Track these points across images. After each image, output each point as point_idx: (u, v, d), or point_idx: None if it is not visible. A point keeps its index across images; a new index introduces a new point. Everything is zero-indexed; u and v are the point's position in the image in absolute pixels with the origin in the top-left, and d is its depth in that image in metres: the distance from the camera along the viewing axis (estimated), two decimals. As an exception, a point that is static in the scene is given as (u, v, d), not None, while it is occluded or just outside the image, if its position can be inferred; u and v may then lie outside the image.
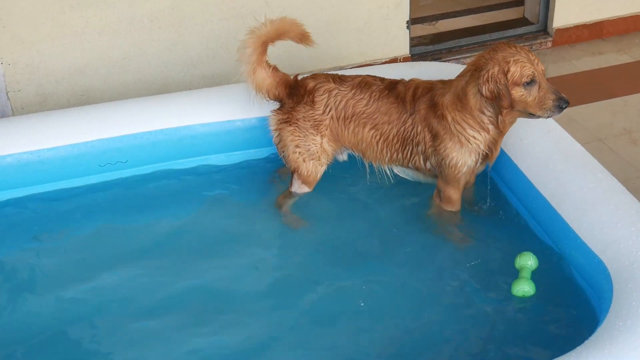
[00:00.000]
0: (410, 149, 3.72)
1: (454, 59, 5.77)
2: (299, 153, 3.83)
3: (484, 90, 3.41)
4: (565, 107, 3.39)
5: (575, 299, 3.31)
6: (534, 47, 5.91)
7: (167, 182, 4.11)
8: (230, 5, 5.01)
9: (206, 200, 4.03)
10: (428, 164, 3.73)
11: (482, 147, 3.59)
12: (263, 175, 4.21)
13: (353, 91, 3.76)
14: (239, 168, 4.21)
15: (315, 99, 3.78)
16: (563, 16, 5.91)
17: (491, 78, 3.39)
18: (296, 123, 3.80)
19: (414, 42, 5.80)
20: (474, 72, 3.48)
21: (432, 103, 3.62)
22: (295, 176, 3.91)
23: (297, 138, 3.81)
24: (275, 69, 3.83)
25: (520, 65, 3.36)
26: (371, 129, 3.75)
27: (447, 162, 3.62)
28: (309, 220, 3.95)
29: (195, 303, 3.44)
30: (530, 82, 3.37)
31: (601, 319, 2.88)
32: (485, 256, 3.61)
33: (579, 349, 2.69)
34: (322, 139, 3.81)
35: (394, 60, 5.56)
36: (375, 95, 3.73)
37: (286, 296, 3.47)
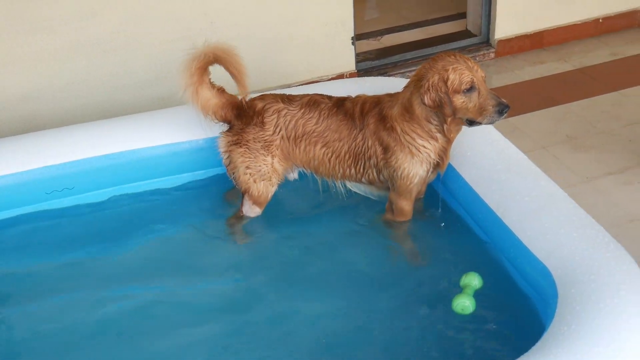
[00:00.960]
0: (362, 164, 3.75)
1: (400, 73, 5.85)
2: (250, 174, 3.83)
3: (426, 99, 3.45)
4: (506, 112, 3.41)
5: (522, 306, 3.35)
6: (477, 58, 6.01)
7: (115, 207, 4.09)
8: (174, 27, 5.02)
9: (154, 224, 4.00)
10: (381, 177, 3.76)
11: (432, 155, 3.63)
12: (212, 197, 4.20)
13: (302, 110, 3.78)
14: (187, 190, 4.20)
15: (265, 120, 3.79)
16: (504, 27, 6.03)
17: (432, 87, 3.43)
18: (246, 144, 3.80)
19: (360, 57, 5.87)
20: (417, 82, 3.53)
21: (381, 116, 3.66)
22: (246, 197, 3.92)
23: (248, 159, 3.81)
24: (220, 90, 3.83)
25: (459, 72, 3.40)
26: (322, 147, 3.77)
27: (400, 173, 3.65)
28: (260, 240, 3.96)
29: (137, 325, 3.42)
30: (470, 89, 3.41)
31: (547, 325, 2.92)
32: (431, 268, 3.65)
33: (525, 355, 2.72)
34: (273, 159, 3.82)
35: (340, 76, 5.61)
36: (324, 114, 3.76)
37: (235, 320, 3.47)
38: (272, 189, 3.91)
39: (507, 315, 3.36)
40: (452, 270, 3.58)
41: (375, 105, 3.71)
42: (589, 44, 6.22)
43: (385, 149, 3.66)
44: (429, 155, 3.63)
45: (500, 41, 6.04)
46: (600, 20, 6.25)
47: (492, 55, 6.07)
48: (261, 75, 5.22)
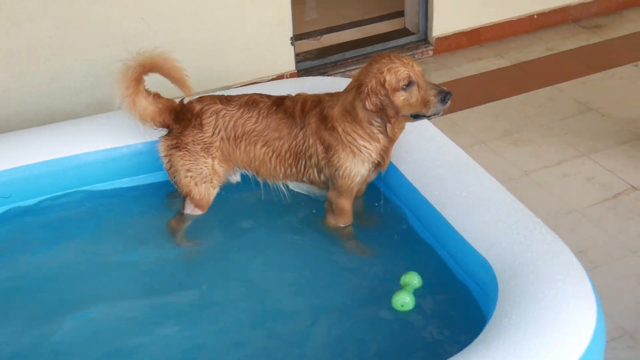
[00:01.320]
0: (303, 163, 3.75)
1: (340, 73, 5.87)
2: (191, 177, 3.81)
3: (368, 104, 3.47)
4: (449, 98, 3.42)
5: (464, 299, 3.38)
6: (416, 56, 6.07)
7: (53, 214, 4.01)
8: (111, 31, 4.96)
9: (94, 229, 3.95)
10: (322, 176, 3.76)
11: (374, 155, 3.64)
12: (153, 200, 4.17)
13: (241, 110, 3.76)
14: (127, 194, 4.15)
15: (204, 122, 3.76)
16: (442, 25, 6.10)
17: (371, 92, 3.45)
18: (186, 147, 3.77)
19: (300, 57, 5.87)
20: (358, 87, 3.53)
21: (322, 116, 3.66)
22: (187, 200, 3.89)
23: (188, 162, 3.79)
24: (156, 96, 3.79)
25: (394, 71, 3.42)
26: (263, 146, 3.76)
27: (341, 172, 3.66)
28: (202, 243, 3.93)
29: (76, 333, 3.39)
30: (409, 84, 3.43)
31: (488, 317, 2.96)
32: (373, 264, 3.67)
33: (467, 348, 2.75)
34: (213, 161, 3.80)
35: (280, 77, 5.61)
36: (263, 112, 3.74)
37: (179, 324, 3.44)
38: (214, 191, 3.88)
39: (450, 309, 3.40)
40: (393, 266, 3.61)
41: (316, 105, 3.71)
42: (524, 39, 6.33)
43: (327, 149, 3.66)
44: (371, 155, 3.63)
45: (438, 39, 6.11)
46: (535, 17, 6.37)
47: (431, 52, 6.13)
48: (201, 78, 5.18)
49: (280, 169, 3.80)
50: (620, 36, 6.34)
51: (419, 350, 3.22)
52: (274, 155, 3.76)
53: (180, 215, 3.95)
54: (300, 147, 3.72)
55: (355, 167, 3.65)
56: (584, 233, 4.24)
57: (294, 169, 3.79)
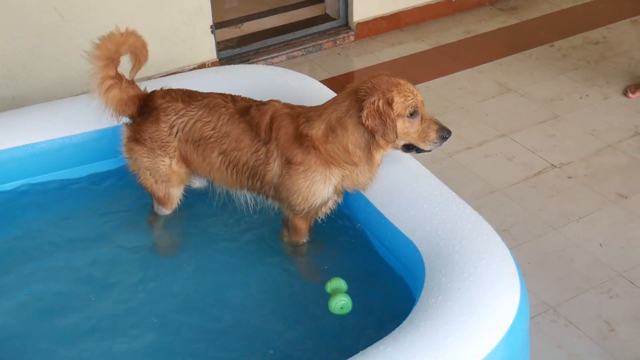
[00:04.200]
0: (260, 179, 3.49)
1: (262, 60, 5.84)
2: (149, 174, 3.65)
3: (369, 121, 3.18)
4: (448, 137, 3.27)
5: (393, 282, 3.42)
6: (337, 42, 6.08)
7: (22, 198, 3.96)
8: (23, 22, 4.81)
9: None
10: (278, 195, 3.51)
11: (338, 179, 3.39)
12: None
13: (200, 112, 3.52)
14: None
15: (161, 118, 3.54)
16: (362, 10, 6.12)
17: (376, 110, 3.16)
18: (143, 142, 3.58)
19: (221, 46, 5.82)
20: (354, 102, 3.25)
21: (297, 134, 3.35)
22: (152, 197, 3.78)
23: (146, 159, 3.61)
24: (129, 83, 3.60)
25: (403, 95, 3.19)
26: (220, 154, 3.51)
27: (299, 194, 3.40)
28: (177, 240, 3.88)
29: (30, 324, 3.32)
30: (414, 114, 3.23)
31: (417, 299, 2.99)
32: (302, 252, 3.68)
33: (396, 330, 2.77)
34: (171, 161, 3.60)
35: (202, 66, 5.55)
36: (224, 119, 3.48)
37: (146, 317, 3.39)
38: (175, 191, 3.72)
39: (379, 292, 3.43)
40: (322, 253, 3.63)
41: (290, 122, 3.39)
42: (444, 23, 6.41)
43: (291, 168, 3.37)
44: (337, 178, 3.38)
45: (359, 24, 6.13)
46: (453, 0, 6.44)
47: (352, 38, 6.15)
48: (121, 68, 5.07)
49: (237, 179, 3.56)
50: (536, 17, 6.48)
51: (348, 335, 3.23)
52: (231, 165, 3.52)
53: (152, 213, 3.85)
54: (260, 162, 3.45)
55: (317, 190, 3.39)
56: (507, 212, 4.32)
57: (250, 182, 3.53)
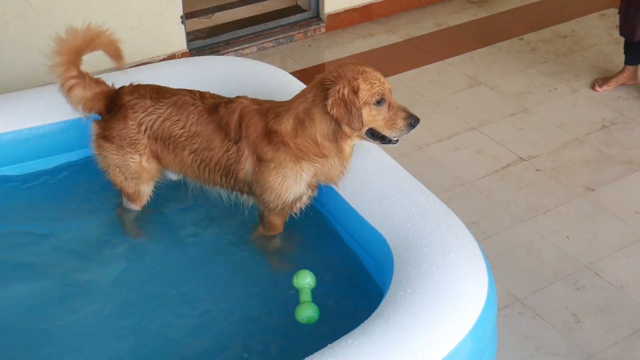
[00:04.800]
0: (233, 177, 3.46)
1: (232, 51, 5.81)
2: (119, 171, 3.61)
3: (334, 110, 3.14)
4: (416, 125, 3.22)
5: (363, 275, 3.42)
6: (308, 33, 6.07)
7: None
8: (-10, 11, 4.75)
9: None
10: (252, 191, 3.48)
11: (311, 173, 3.36)
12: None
13: (169, 111, 3.47)
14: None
15: (129, 116, 3.50)
16: (333, 2, 6.12)
17: (341, 99, 3.13)
18: (112, 140, 3.54)
19: (191, 36, 5.78)
20: (319, 92, 3.21)
21: (266, 131, 3.32)
22: (122, 193, 3.74)
23: (115, 156, 3.57)
24: (94, 80, 3.56)
25: (369, 82, 3.15)
26: (191, 153, 3.48)
27: (273, 190, 3.38)
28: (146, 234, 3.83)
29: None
30: (380, 101, 3.18)
31: (385, 292, 3.00)
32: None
33: (364, 323, 2.78)
34: (141, 158, 3.56)
35: (172, 57, 5.51)
36: (192, 118, 3.44)
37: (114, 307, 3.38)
38: (145, 187, 3.68)
39: (349, 286, 3.43)
40: (292, 246, 3.63)
41: (259, 118, 3.35)
42: (415, 15, 6.43)
43: (262, 165, 3.35)
44: (309, 173, 3.36)
45: (330, 15, 6.12)
46: (422, -8, 6.47)
47: (323, 29, 6.14)
48: (88, 59, 5.00)
49: (210, 177, 3.53)
50: (506, 10, 6.52)
51: (317, 330, 3.22)
52: (203, 164, 3.49)
53: (122, 207, 3.80)
54: (232, 161, 3.41)
55: (290, 186, 3.36)
56: (476, 204, 4.35)
57: (223, 180, 3.50)
